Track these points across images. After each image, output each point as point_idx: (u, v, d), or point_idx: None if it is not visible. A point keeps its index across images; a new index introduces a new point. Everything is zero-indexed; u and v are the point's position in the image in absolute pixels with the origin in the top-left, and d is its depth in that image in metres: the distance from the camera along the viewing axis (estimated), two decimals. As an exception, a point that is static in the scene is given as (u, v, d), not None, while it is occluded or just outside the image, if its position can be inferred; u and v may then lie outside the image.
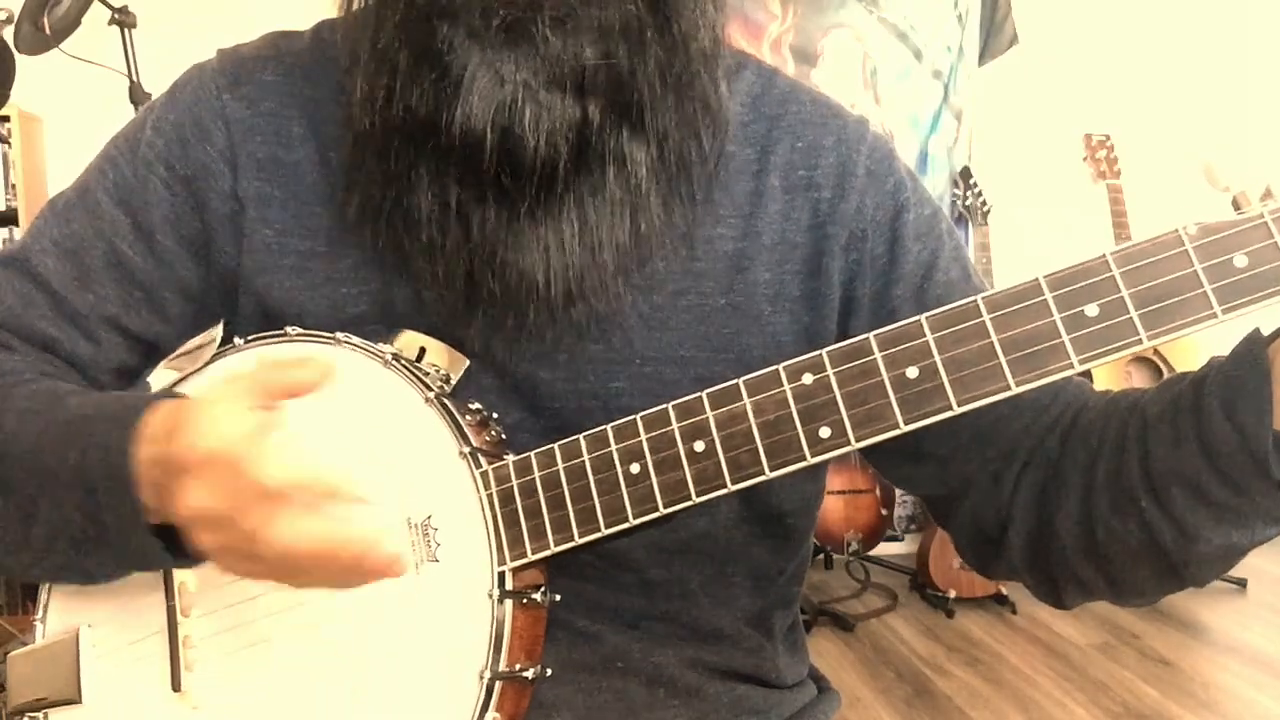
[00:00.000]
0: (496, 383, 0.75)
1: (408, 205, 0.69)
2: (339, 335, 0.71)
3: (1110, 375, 3.35)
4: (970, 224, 3.46)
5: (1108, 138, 3.50)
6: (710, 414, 0.63)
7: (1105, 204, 3.40)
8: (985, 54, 3.61)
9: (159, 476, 0.62)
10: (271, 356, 0.66)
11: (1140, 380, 3.36)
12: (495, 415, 0.73)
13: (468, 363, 0.72)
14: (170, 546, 0.64)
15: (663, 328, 0.76)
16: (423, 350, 0.72)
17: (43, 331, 0.77)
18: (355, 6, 0.72)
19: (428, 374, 0.70)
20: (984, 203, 3.45)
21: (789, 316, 0.78)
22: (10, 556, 0.69)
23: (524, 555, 0.66)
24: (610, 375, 0.75)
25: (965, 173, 3.50)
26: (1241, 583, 3.25)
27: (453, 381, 0.71)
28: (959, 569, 3.15)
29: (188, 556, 0.63)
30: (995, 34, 3.61)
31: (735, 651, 0.83)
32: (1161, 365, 3.33)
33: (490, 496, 0.67)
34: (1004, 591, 3.15)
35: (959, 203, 3.48)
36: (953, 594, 3.15)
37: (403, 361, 0.70)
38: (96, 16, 2.38)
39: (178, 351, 0.79)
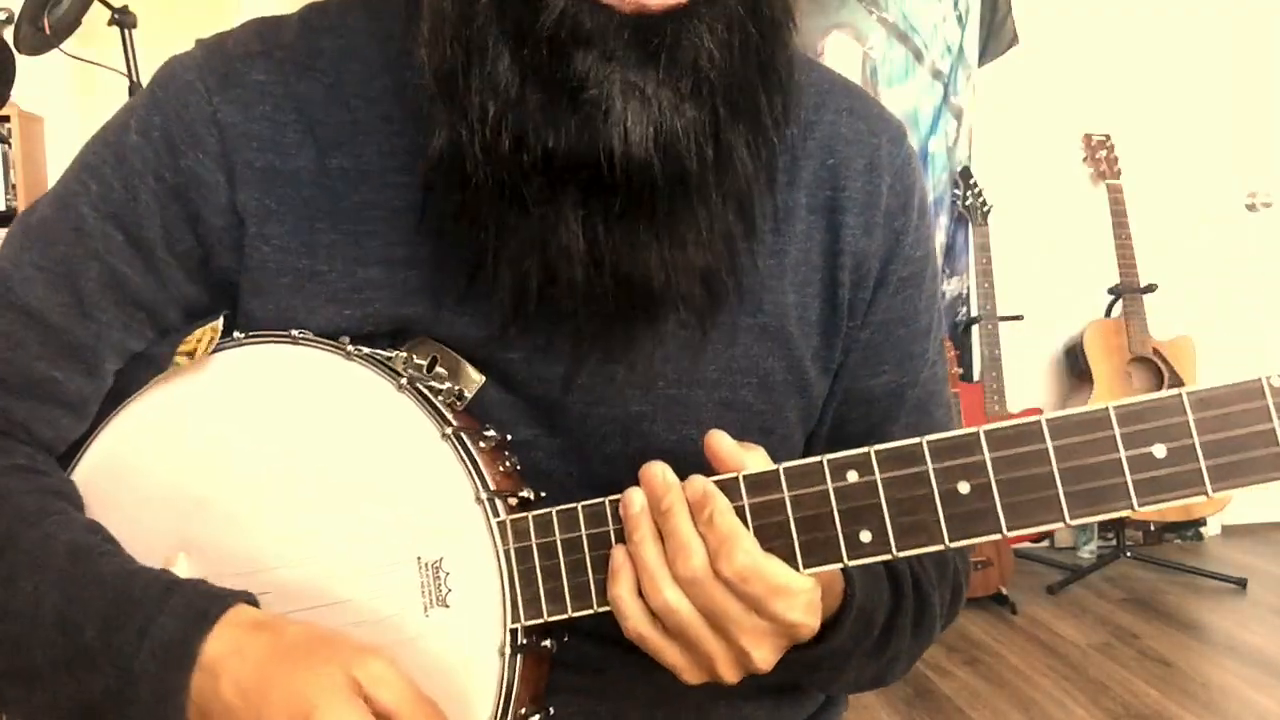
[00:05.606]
0: (510, 399, 0.72)
1: (551, 248, 0.64)
2: (349, 348, 0.68)
3: (1111, 376, 3.35)
4: (970, 224, 3.46)
5: (1108, 138, 3.51)
6: (746, 501, 0.60)
7: (1105, 204, 3.40)
8: (985, 54, 3.60)
9: (221, 711, 0.60)
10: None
11: (1140, 382, 3.36)
12: (510, 437, 0.70)
13: (482, 380, 0.70)
14: None
15: (687, 348, 0.72)
16: (434, 360, 0.69)
17: (40, 373, 0.70)
18: (442, 45, 0.63)
19: (440, 392, 0.67)
20: (984, 203, 3.45)
21: (810, 340, 0.76)
22: None
23: (539, 616, 0.63)
24: (632, 399, 0.72)
25: (965, 173, 3.50)
26: (1241, 583, 3.24)
27: (466, 398, 0.69)
28: (959, 569, 3.15)
29: None
30: (995, 34, 3.61)
31: None
32: (1162, 367, 3.34)
33: (508, 552, 0.64)
34: (1004, 591, 3.15)
35: (959, 203, 3.48)
36: (953, 594, 3.14)
37: (417, 385, 0.67)
38: (96, 16, 2.38)
39: (180, 344, 0.75)
